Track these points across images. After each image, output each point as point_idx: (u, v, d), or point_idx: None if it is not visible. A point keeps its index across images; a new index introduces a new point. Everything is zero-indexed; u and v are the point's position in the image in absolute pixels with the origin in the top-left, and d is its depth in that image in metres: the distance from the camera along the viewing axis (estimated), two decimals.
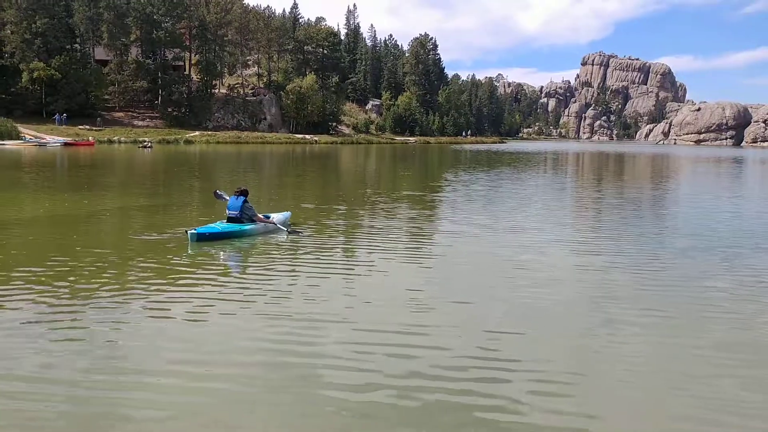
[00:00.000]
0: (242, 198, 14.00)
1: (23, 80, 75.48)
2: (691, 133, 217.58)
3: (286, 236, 13.85)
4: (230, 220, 13.90)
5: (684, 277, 10.63)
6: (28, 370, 6.21)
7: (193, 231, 12.85)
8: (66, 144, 59.09)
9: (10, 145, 55.93)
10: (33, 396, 5.70)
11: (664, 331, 7.74)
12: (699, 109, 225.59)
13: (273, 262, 11.34)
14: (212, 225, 13.71)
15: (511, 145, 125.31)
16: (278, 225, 14.41)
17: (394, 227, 15.43)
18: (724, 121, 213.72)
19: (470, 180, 31.83)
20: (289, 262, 11.22)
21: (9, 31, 76.60)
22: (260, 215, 14.40)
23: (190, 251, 12.15)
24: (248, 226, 13.81)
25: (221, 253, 12.11)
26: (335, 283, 9.65)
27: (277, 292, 9.06)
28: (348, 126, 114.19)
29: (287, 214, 15.69)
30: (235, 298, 8.72)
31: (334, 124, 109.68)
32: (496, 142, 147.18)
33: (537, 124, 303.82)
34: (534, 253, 12.31)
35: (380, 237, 13.90)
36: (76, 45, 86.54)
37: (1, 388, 5.82)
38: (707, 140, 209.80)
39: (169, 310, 8.21)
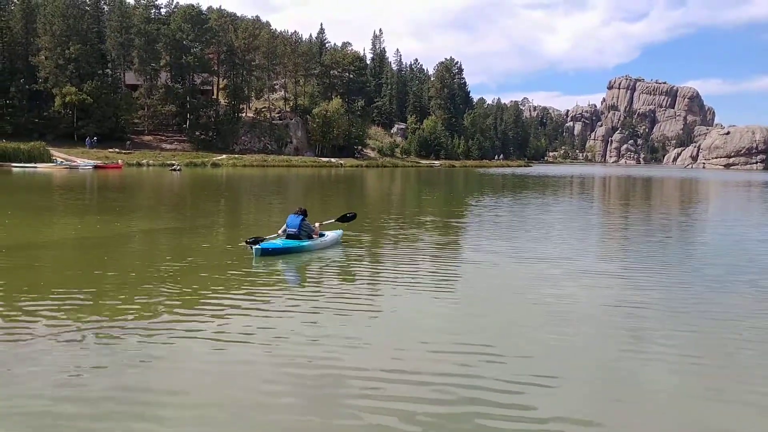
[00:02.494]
0: (301, 217, 15.36)
1: (56, 105, 77.24)
2: (720, 157, 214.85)
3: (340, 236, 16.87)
4: (289, 236, 15.17)
5: (719, 315, 10.08)
6: (61, 390, 6.19)
7: (257, 246, 14.14)
8: (96, 167, 60.14)
9: (42, 167, 57.09)
10: (61, 416, 5.73)
11: (696, 381, 7.32)
12: (728, 133, 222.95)
13: (301, 289, 11.24)
14: (274, 241, 14.92)
15: (537, 169, 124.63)
16: (330, 240, 16.18)
17: (417, 256, 15.20)
18: (754, 144, 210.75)
19: (495, 205, 31.60)
20: (313, 293, 11.04)
21: (43, 57, 78.57)
22: (318, 230, 15.89)
23: (254, 264, 13.37)
24: (306, 243, 15.18)
25: (258, 273, 12.08)
26: (353, 320, 9.35)
27: (298, 324, 8.85)
28: (373, 149, 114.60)
29: (339, 232, 17.22)
30: (251, 331, 8.60)
31: (360, 147, 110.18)
32: (521, 166, 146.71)
33: (563, 147, 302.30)
34: (559, 286, 11.89)
35: (404, 266, 13.66)
36: (108, 70, 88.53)
37: (30, 406, 5.82)
38: (737, 164, 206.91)
39: (199, 331, 8.17)
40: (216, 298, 10.40)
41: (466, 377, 7.06)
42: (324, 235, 16.17)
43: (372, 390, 6.66)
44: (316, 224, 16.11)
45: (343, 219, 17.83)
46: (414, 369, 7.24)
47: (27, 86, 78.74)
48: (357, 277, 12.61)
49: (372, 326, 9.09)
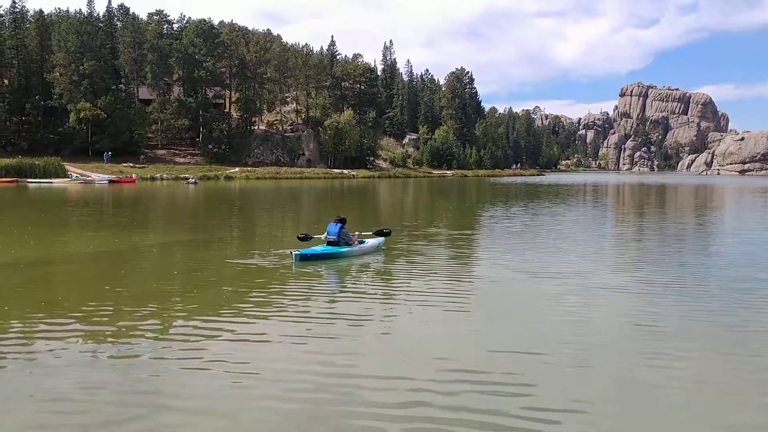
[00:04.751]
0: (340, 225, 16.04)
1: (71, 120, 78.08)
2: (735, 163, 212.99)
3: (381, 244, 17.36)
4: (329, 243, 15.90)
5: (741, 331, 9.69)
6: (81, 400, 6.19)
7: (297, 252, 14.88)
8: (111, 181, 60.61)
9: (57, 183, 57.59)
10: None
11: (719, 408, 6.93)
12: (742, 139, 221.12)
13: (317, 306, 11.04)
14: (314, 248, 15.75)
15: (549, 178, 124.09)
16: (371, 247, 16.81)
17: (432, 272, 14.71)
18: None
19: (509, 216, 31.42)
20: (328, 312, 10.87)
21: (58, 74, 79.47)
22: (356, 239, 16.52)
23: (294, 269, 14.12)
24: (344, 249, 15.86)
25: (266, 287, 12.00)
26: (368, 340, 9.04)
27: (314, 346, 8.76)
28: (385, 160, 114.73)
29: (381, 239, 17.70)
30: (264, 350, 8.54)
31: (372, 158, 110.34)
32: (534, 175, 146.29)
33: (576, 156, 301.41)
34: (575, 303, 11.46)
35: (420, 283, 13.30)
36: (121, 85, 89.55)
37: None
38: (752, 170, 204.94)
39: (211, 349, 8.13)
40: (229, 314, 10.33)
41: (481, 399, 6.85)
42: (364, 242, 16.81)
43: (388, 421, 6.37)
44: (355, 233, 16.82)
45: (380, 234, 18.01)
46: (428, 399, 6.86)
47: (42, 102, 79.69)
48: (371, 295, 12.13)
49: (385, 349, 8.71)
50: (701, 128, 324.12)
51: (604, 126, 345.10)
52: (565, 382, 7.42)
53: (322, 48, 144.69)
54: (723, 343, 9.11)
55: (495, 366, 7.86)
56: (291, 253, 15.02)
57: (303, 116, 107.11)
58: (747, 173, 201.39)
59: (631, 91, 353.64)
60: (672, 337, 9.32)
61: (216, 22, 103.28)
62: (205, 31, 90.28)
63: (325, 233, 16.20)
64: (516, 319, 10.53)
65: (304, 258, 14.88)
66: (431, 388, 7.02)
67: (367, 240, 17.12)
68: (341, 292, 12.66)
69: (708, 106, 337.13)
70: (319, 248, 15.69)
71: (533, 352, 8.45)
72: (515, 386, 7.18)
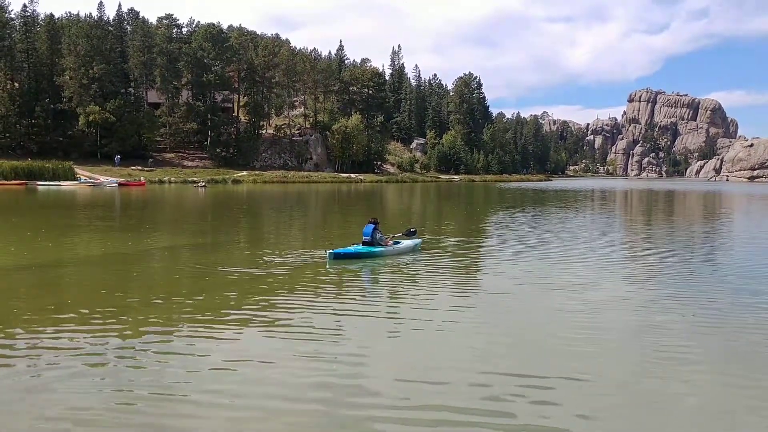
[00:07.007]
0: (372, 225, 16.79)
1: (80, 124, 78.42)
2: (744, 170, 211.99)
3: (418, 245, 18.10)
4: (364, 243, 16.60)
5: (754, 355, 9.30)
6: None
7: (331, 251, 15.54)
8: (120, 184, 60.89)
9: (66, 185, 57.89)
10: None
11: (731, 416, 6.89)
12: (752, 145, 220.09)
13: (322, 310, 11.00)
14: (349, 247, 16.44)
15: (557, 183, 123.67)
16: (404, 248, 17.50)
17: (436, 281, 14.46)
18: None
19: (516, 223, 31.31)
20: (333, 321, 10.86)
21: (68, 77, 79.86)
22: (390, 241, 17.37)
23: (328, 267, 14.76)
24: (378, 249, 16.55)
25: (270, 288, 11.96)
26: (373, 360, 8.63)
27: (318, 349, 8.77)
28: (393, 165, 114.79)
29: (418, 240, 18.42)
30: (270, 352, 8.52)
31: (379, 162, 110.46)
32: (542, 180, 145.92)
33: (583, 161, 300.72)
34: (582, 313, 11.25)
35: (424, 290, 13.20)
36: (130, 89, 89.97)
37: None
38: (761, 177, 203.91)
39: (218, 353, 8.12)
40: (236, 323, 10.22)
41: (486, 413, 6.77)
42: (399, 243, 17.55)
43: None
44: (389, 236, 17.73)
45: (408, 233, 18.85)
46: (432, 416, 6.79)
47: (52, 106, 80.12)
48: (375, 309, 11.64)
49: (390, 370, 8.27)
50: (710, 134, 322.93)
51: (612, 131, 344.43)
52: (568, 399, 7.28)
53: (330, 53, 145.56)
54: (732, 364, 8.78)
55: (499, 383, 7.73)
56: (326, 251, 15.68)
57: (311, 120, 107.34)
58: (756, 180, 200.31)
59: (640, 97, 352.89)
60: (681, 359, 8.84)
61: (225, 26, 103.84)
62: (213, 35, 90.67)
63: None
64: (522, 332, 10.26)
65: (338, 257, 15.44)
66: (444, 418, 6.75)
67: (402, 241, 17.79)
68: (344, 303, 12.00)
69: (717, 112, 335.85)
70: (352, 248, 16.36)
71: (537, 366, 8.34)
72: (518, 403, 7.10)
